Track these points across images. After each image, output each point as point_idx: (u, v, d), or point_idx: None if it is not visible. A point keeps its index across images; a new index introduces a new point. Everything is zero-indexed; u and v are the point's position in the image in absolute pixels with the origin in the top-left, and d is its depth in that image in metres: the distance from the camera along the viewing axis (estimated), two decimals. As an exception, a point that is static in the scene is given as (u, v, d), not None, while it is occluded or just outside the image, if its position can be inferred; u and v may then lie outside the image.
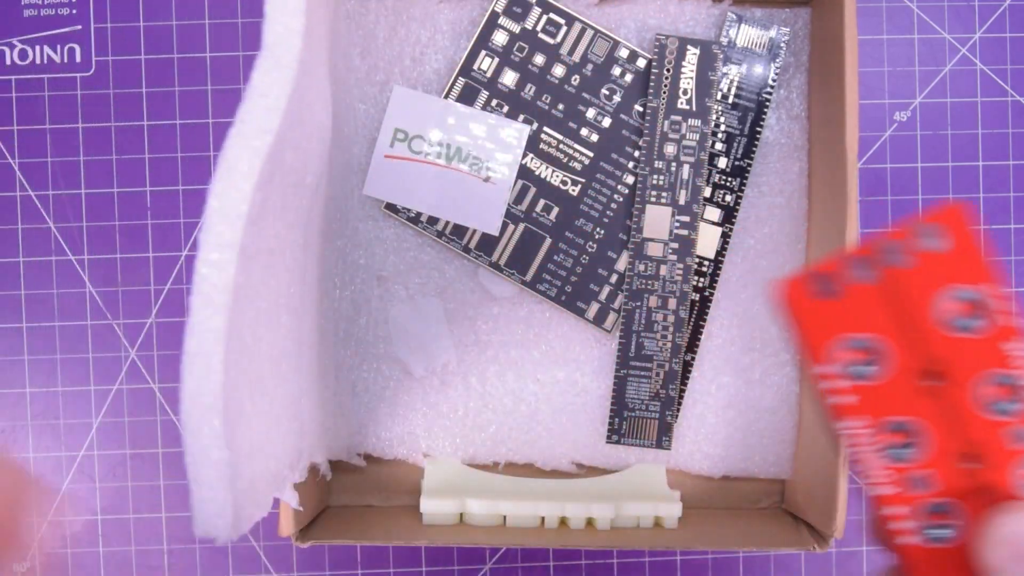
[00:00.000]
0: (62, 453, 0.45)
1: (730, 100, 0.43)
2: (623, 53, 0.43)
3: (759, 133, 0.43)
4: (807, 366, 0.24)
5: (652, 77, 0.43)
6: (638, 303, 0.43)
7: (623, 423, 0.43)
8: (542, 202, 0.43)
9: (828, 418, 0.24)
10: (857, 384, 0.23)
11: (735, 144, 0.43)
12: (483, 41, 0.43)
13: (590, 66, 0.43)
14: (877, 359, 0.23)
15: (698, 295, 0.43)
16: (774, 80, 0.43)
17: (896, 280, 0.23)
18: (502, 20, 0.43)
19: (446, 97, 0.43)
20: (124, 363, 0.45)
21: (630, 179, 0.43)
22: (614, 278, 0.43)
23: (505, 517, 0.41)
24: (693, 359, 0.44)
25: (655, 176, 0.43)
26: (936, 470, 0.23)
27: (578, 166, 0.43)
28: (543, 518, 0.41)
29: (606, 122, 0.43)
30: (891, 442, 0.23)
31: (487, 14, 0.43)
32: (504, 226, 0.43)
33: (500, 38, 0.43)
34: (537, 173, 0.43)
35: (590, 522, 0.41)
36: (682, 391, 0.44)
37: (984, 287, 0.23)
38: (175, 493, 0.45)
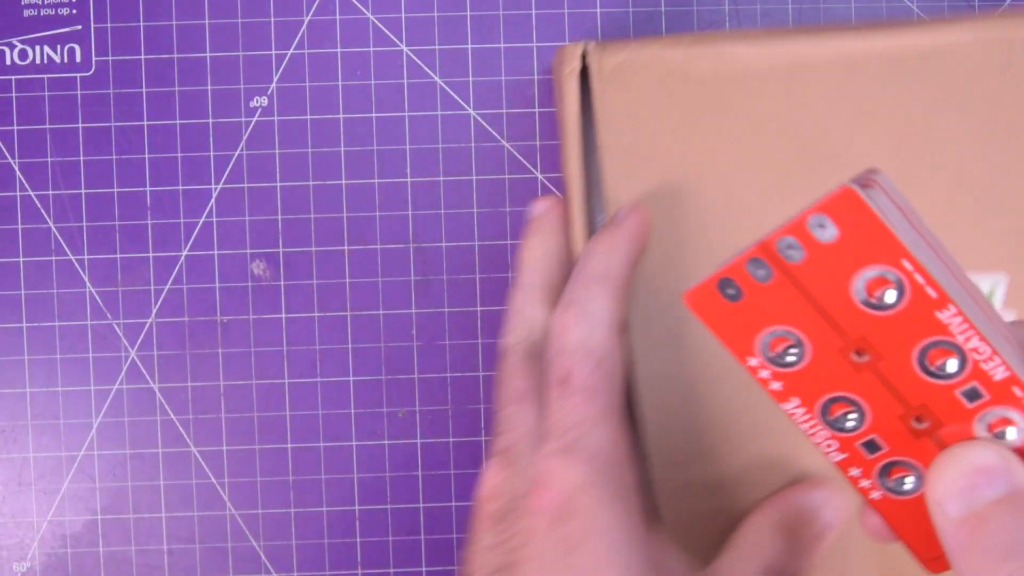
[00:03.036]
0: (62, 453, 0.45)
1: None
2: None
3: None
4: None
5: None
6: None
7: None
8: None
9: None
10: (780, 371, 0.25)
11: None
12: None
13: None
14: (796, 347, 0.25)
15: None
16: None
17: (797, 272, 0.24)
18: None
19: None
20: (124, 363, 0.45)
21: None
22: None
23: None
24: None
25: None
26: (879, 434, 0.25)
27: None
28: None
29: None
30: (829, 416, 0.25)
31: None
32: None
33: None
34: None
35: None
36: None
37: (890, 265, 0.23)
38: (175, 493, 0.45)
